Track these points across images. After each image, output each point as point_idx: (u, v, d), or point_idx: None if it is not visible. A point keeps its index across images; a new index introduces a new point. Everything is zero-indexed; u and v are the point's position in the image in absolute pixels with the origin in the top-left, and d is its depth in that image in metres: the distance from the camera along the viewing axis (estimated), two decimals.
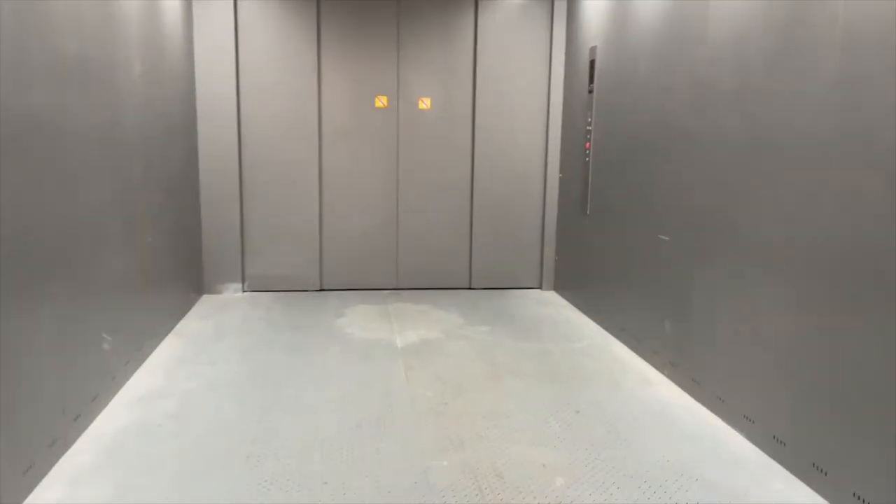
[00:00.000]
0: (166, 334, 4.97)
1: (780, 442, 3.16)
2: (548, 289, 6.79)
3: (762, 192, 3.34)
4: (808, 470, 2.97)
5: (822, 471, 2.88)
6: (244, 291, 6.41)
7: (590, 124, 5.71)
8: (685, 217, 4.10)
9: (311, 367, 4.40)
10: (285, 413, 3.67)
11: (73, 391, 3.27)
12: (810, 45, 3.00)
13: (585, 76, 5.82)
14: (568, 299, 6.34)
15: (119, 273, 3.98)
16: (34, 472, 2.83)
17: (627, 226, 4.96)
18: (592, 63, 5.65)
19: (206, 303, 6.04)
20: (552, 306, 6.21)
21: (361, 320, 5.58)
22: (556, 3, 6.38)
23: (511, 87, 6.56)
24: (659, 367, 4.40)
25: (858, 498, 2.67)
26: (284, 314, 5.72)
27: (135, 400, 3.81)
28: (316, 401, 3.85)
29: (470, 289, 6.81)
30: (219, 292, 6.33)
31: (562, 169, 6.54)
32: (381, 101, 6.42)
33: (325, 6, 6.24)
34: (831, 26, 2.86)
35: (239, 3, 6.05)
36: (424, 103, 6.51)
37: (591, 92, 5.70)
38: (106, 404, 3.68)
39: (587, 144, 5.75)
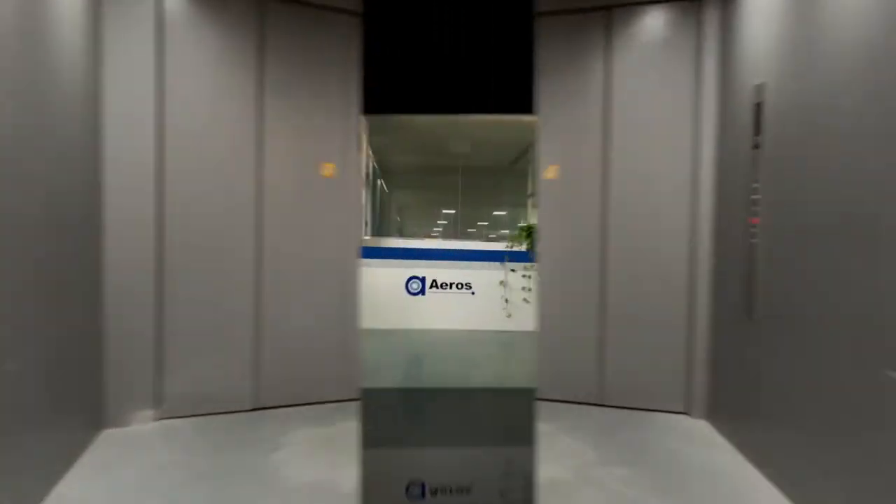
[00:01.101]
0: None
1: None
2: (698, 416, 4.95)
3: None
4: None
5: None
6: (158, 420, 4.74)
7: (756, 192, 4.05)
8: None
9: None
10: None
11: None
12: None
13: (748, 126, 4.19)
14: (727, 436, 4.50)
15: None
16: None
17: (824, 344, 3.20)
18: (759, 106, 4.03)
19: (104, 443, 4.31)
20: (705, 446, 4.39)
21: (301, 455, 4.16)
22: (706, 34, 4.85)
23: (647, 144, 5.07)
24: None
25: None
26: (207, 453, 4.18)
27: None
28: None
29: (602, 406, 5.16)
30: (125, 424, 4.60)
31: (715, 253, 4.84)
32: (327, 170, 5.23)
33: (270, 51, 5.02)
34: None
35: (168, 54, 4.67)
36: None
37: (756, 147, 4.06)
38: None
39: (753, 220, 4.07)
